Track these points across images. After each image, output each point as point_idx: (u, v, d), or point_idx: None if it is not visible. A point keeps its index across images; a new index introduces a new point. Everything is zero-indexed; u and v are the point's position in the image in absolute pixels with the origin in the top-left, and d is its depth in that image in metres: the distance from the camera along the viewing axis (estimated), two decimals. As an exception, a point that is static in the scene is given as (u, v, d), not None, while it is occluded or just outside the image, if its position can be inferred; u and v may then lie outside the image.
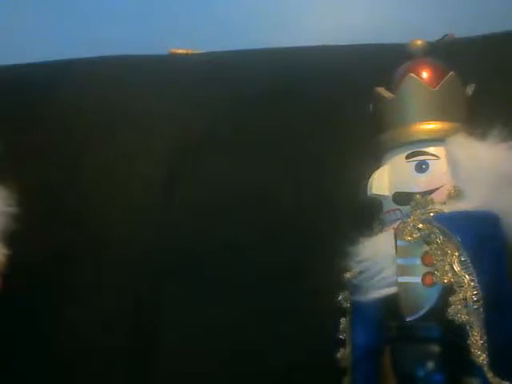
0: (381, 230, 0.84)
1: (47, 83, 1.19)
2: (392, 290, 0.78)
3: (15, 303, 0.98)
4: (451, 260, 0.73)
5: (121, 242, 1.07)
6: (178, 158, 1.11)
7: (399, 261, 0.78)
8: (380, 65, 0.97)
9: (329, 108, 1.06)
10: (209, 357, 1.00)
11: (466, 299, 0.71)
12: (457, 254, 0.73)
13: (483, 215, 0.76)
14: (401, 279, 0.77)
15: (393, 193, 0.83)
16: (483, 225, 0.76)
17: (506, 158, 0.78)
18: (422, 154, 0.82)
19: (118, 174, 1.11)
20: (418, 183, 0.82)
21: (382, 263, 0.79)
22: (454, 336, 0.72)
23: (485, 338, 0.70)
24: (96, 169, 1.12)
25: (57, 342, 1.02)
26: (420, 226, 0.77)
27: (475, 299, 0.71)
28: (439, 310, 0.73)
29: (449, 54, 0.95)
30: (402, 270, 0.77)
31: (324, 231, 0.99)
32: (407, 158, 0.83)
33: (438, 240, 0.75)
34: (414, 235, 0.77)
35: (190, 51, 1.21)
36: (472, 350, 0.70)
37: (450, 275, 0.73)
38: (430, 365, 0.75)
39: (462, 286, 0.72)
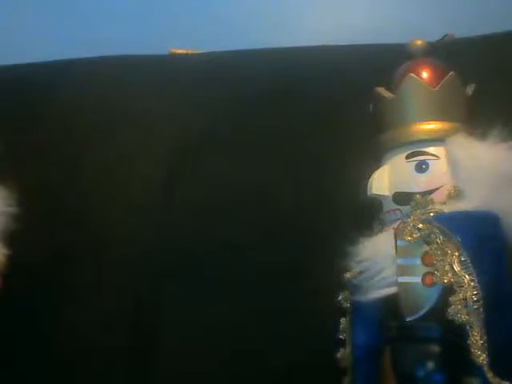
0: (381, 230, 0.84)
1: (47, 83, 1.19)
2: (392, 290, 0.78)
3: (15, 303, 0.98)
4: (451, 260, 0.73)
5: (121, 241, 1.07)
6: (177, 158, 1.11)
7: (399, 261, 0.78)
8: (380, 65, 0.97)
9: (329, 108, 1.06)
10: (209, 357, 1.00)
11: (465, 299, 0.71)
12: (457, 253, 0.73)
13: (483, 215, 0.76)
14: (401, 279, 0.77)
15: (393, 193, 0.83)
16: (483, 225, 0.76)
17: (506, 157, 0.78)
18: (422, 154, 0.82)
19: (118, 174, 1.11)
20: (417, 183, 0.82)
21: (382, 263, 0.79)
22: (454, 336, 0.72)
23: (485, 337, 0.70)
24: (96, 169, 1.12)
25: (57, 342, 1.02)
26: (420, 226, 0.77)
27: (475, 299, 0.71)
28: (439, 310, 0.73)
29: (449, 54, 0.95)
30: (402, 270, 0.77)
31: (324, 231, 0.99)
32: (407, 157, 0.83)
33: (437, 240, 0.75)
34: (414, 235, 0.77)
35: (189, 51, 1.21)
36: (472, 350, 0.70)
37: (449, 275, 0.73)
38: (430, 365, 0.75)
39: (462, 286, 0.72)
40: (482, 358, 0.70)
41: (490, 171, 0.78)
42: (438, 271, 0.74)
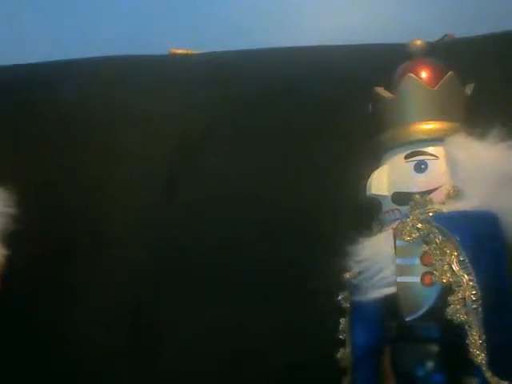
0: (380, 230, 0.84)
1: (47, 83, 1.19)
2: (391, 289, 0.78)
3: (14, 304, 0.98)
4: (450, 260, 0.73)
5: (121, 241, 1.07)
6: (177, 158, 1.11)
7: (398, 261, 0.78)
8: (380, 65, 0.97)
9: (329, 108, 1.06)
10: (209, 357, 0.99)
11: (464, 299, 0.71)
12: (456, 253, 0.73)
13: (482, 215, 0.76)
14: (400, 279, 0.77)
15: (392, 193, 0.83)
16: (482, 224, 0.76)
17: (505, 157, 0.78)
18: (421, 154, 0.82)
19: (118, 174, 1.11)
20: (417, 183, 0.81)
21: (381, 263, 0.79)
22: (453, 336, 0.72)
23: (483, 337, 0.70)
24: (96, 169, 1.12)
25: (57, 343, 1.02)
26: (419, 225, 0.77)
27: (474, 299, 0.71)
28: (438, 310, 0.73)
29: (448, 54, 0.95)
30: (401, 270, 0.77)
31: (324, 231, 0.99)
32: (406, 157, 0.83)
33: (436, 240, 0.75)
34: (413, 235, 0.77)
35: (190, 51, 1.21)
36: (471, 350, 0.70)
37: (448, 275, 0.72)
38: (430, 364, 0.75)
39: (461, 286, 0.72)
40: (480, 357, 0.70)
41: (489, 171, 0.78)
42: (436, 271, 0.73)
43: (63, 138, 1.14)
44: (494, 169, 0.78)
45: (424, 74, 0.85)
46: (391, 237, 0.80)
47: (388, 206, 0.84)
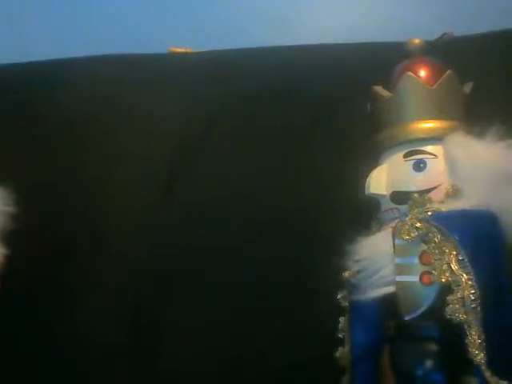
0: (379, 229, 0.84)
1: (47, 82, 1.19)
2: (390, 289, 0.78)
3: (14, 303, 0.98)
4: (449, 259, 0.73)
5: (121, 241, 1.07)
6: (177, 158, 1.11)
7: (397, 260, 0.77)
8: (378, 63, 0.97)
9: (328, 106, 1.06)
10: (209, 357, 0.99)
11: (463, 298, 0.71)
12: (454, 252, 0.73)
13: (481, 214, 0.76)
14: (399, 278, 0.77)
15: (391, 192, 0.83)
16: (481, 223, 0.75)
17: (504, 156, 0.78)
18: (420, 153, 0.82)
19: (118, 174, 1.11)
20: (415, 182, 0.81)
21: (380, 262, 0.79)
22: (452, 335, 0.72)
23: (482, 336, 0.70)
24: (96, 168, 1.12)
25: (56, 343, 1.02)
26: (418, 224, 0.76)
27: (473, 298, 0.71)
28: (437, 309, 0.73)
29: (447, 52, 0.95)
30: (400, 269, 0.77)
31: (323, 231, 0.99)
32: (405, 156, 0.82)
33: (435, 239, 0.74)
34: (412, 234, 0.76)
35: (189, 50, 1.21)
36: (470, 349, 0.70)
37: (447, 274, 0.72)
38: (429, 364, 0.75)
39: (460, 285, 0.71)
40: (479, 357, 0.70)
41: (487, 170, 0.77)
42: (435, 270, 0.73)
43: (63, 138, 1.14)
44: (493, 168, 0.77)
45: (423, 73, 0.85)
46: (390, 236, 0.79)
47: (387, 205, 0.84)
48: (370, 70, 1.00)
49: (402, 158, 0.83)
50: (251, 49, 1.16)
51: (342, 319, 0.86)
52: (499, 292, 0.72)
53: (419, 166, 0.81)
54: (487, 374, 0.69)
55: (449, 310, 0.71)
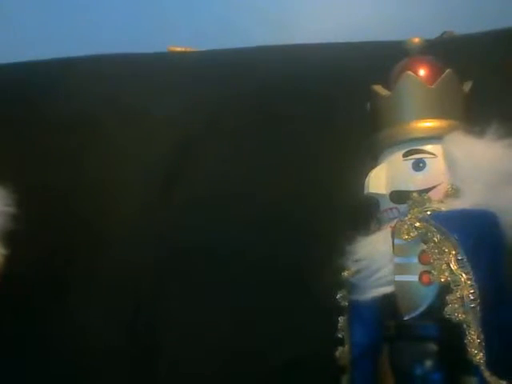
0: (378, 229, 0.84)
1: (47, 82, 1.19)
2: (389, 288, 0.77)
3: (14, 303, 0.98)
4: (448, 259, 0.72)
5: (121, 241, 1.07)
6: (177, 158, 1.11)
7: (396, 259, 0.77)
8: (378, 62, 0.96)
9: (327, 105, 1.06)
10: (209, 357, 0.99)
11: (462, 298, 0.70)
12: (454, 252, 0.72)
13: (481, 214, 0.76)
14: (398, 278, 0.76)
15: (390, 191, 0.82)
16: (481, 223, 0.75)
17: (503, 155, 0.77)
18: (419, 153, 0.81)
19: (117, 174, 1.11)
20: (415, 181, 0.81)
21: (379, 262, 0.79)
22: (452, 335, 0.72)
23: (482, 336, 0.70)
24: (96, 168, 1.12)
25: (56, 343, 1.02)
26: (417, 224, 0.76)
27: (472, 298, 0.70)
28: (436, 309, 0.73)
29: (447, 51, 0.95)
30: (400, 269, 0.77)
31: (323, 230, 0.99)
32: (404, 156, 0.82)
33: (435, 239, 0.74)
34: (411, 234, 0.76)
35: (189, 49, 1.21)
36: (469, 349, 0.69)
37: (446, 274, 0.72)
38: (428, 363, 0.74)
39: (459, 285, 0.71)
40: (478, 356, 0.69)
41: (487, 169, 0.77)
42: (434, 270, 0.73)
43: (63, 138, 1.13)
44: (493, 167, 0.77)
45: (422, 72, 0.84)
46: (389, 235, 0.79)
47: (386, 204, 0.83)
48: (369, 69, 1.00)
49: (401, 157, 0.82)
50: (251, 48, 1.16)
51: (341, 319, 0.86)
52: (499, 292, 0.72)
53: (418, 166, 0.81)
54: (486, 373, 0.69)
55: (448, 309, 0.71)
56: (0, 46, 1.26)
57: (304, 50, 1.14)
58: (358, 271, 0.81)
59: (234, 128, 1.10)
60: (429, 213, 0.77)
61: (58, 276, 1.05)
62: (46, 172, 1.11)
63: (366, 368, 0.83)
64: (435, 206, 0.78)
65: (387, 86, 0.86)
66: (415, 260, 0.76)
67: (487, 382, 0.69)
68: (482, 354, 0.69)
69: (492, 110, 0.85)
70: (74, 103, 1.15)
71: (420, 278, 0.75)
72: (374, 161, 0.86)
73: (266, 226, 1.04)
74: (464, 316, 0.70)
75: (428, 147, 0.82)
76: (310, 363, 0.95)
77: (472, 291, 0.71)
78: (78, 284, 1.05)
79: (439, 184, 0.80)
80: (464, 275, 0.71)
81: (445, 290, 0.72)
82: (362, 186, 0.85)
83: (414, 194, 0.79)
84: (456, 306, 0.71)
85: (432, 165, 0.81)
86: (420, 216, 0.77)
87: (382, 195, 0.83)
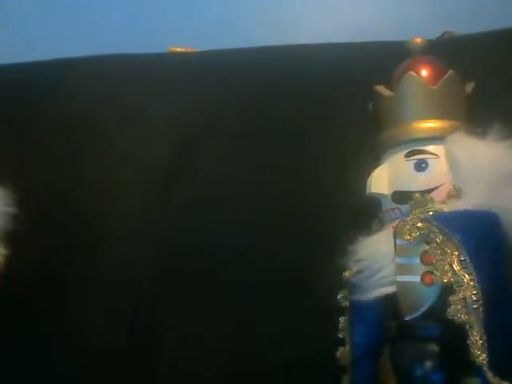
0: (380, 229, 0.84)
1: (47, 82, 1.18)
2: (391, 289, 0.77)
3: (14, 303, 0.98)
4: (451, 259, 0.72)
5: (121, 241, 1.07)
6: (177, 158, 1.11)
7: (398, 260, 0.77)
8: (380, 63, 0.96)
9: (328, 106, 1.06)
10: (209, 357, 0.99)
11: (465, 299, 0.70)
12: (456, 253, 0.72)
13: (483, 214, 0.76)
14: (400, 278, 0.76)
15: (392, 191, 0.82)
16: (483, 224, 0.75)
17: (505, 156, 0.77)
18: (422, 153, 0.81)
19: (118, 174, 1.11)
20: (417, 182, 0.81)
21: (380, 262, 0.79)
22: (453, 335, 0.72)
23: (484, 337, 0.70)
24: (96, 168, 1.11)
25: (57, 343, 1.02)
26: (419, 224, 0.76)
27: (475, 299, 0.70)
28: (438, 310, 0.73)
29: (448, 51, 0.95)
30: (401, 269, 0.77)
31: (325, 230, 0.99)
32: (406, 156, 0.82)
33: (437, 239, 0.74)
34: (414, 234, 0.76)
35: (189, 49, 1.21)
36: (472, 350, 0.70)
37: (449, 275, 0.72)
38: (429, 364, 0.74)
39: (462, 286, 0.71)
40: (481, 357, 0.69)
41: (489, 170, 0.77)
42: (437, 271, 0.73)
43: (63, 138, 1.13)
44: (495, 168, 0.77)
45: (424, 73, 0.85)
46: (391, 236, 0.79)
47: (388, 204, 0.83)
48: (370, 69, 1.00)
49: (403, 157, 0.82)
50: (251, 48, 1.16)
51: (342, 319, 0.86)
52: (501, 292, 0.72)
53: (421, 166, 0.81)
54: (489, 374, 0.69)
55: (451, 310, 0.71)
56: (0, 46, 1.26)
57: (305, 51, 1.14)
58: (359, 271, 0.81)
59: (235, 128, 1.10)
60: (431, 213, 0.77)
61: (58, 276, 1.05)
62: (45, 172, 1.11)
63: (366, 368, 0.83)
64: (437, 206, 0.78)
65: (389, 87, 0.86)
66: (417, 260, 0.76)
67: (490, 383, 0.69)
68: (484, 354, 0.69)
69: (494, 110, 0.85)
70: (74, 103, 1.15)
71: (422, 279, 0.75)
72: (376, 161, 0.86)
73: (265, 225, 1.04)
74: (467, 317, 0.70)
75: (430, 148, 0.82)
76: (310, 363, 0.95)
77: (475, 292, 0.71)
78: (78, 284, 1.05)
79: (441, 184, 0.80)
80: (467, 276, 0.71)
81: (447, 290, 0.72)
82: (363, 186, 0.85)
83: (416, 195, 0.80)
84: (459, 306, 0.71)
85: (434, 165, 0.81)
86: (422, 216, 0.77)
87: (384, 195, 0.83)
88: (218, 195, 1.07)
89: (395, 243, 0.78)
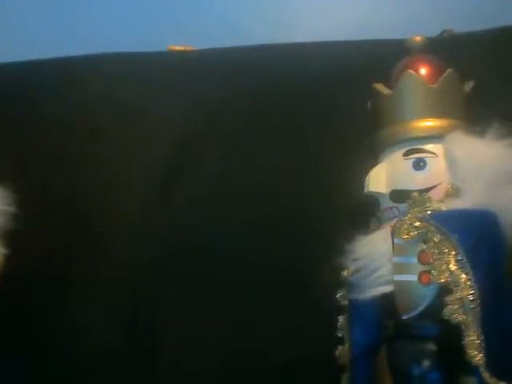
0: (378, 228, 0.84)
1: (47, 82, 1.18)
2: (388, 288, 0.77)
3: (14, 303, 0.98)
4: (448, 259, 0.72)
5: (121, 241, 1.07)
6: (177, 157, 1.11)
7: (396, 259, 0.77)
8: (379, 61, 0.96)
9: (327, 104, 1.06)
10: (209, 357, 0.99)
11: (462, 299, 0.70)
12: (454, 252, 0.72)
13: (481, 213, 0.75)
14: (397, 277, 0.76)
15: (390, 190, 0.82)
16: (481, 223, 0.75)
17: (504, 155, 0.77)
18: (420, 152, 0.81)
19: (117, 174, 1.11)
20: (415, 181, 0.81)
21: (378, 261, 0.79)
22: (451, 335, 0.71)
23: (481, 337, 0.69)
24: (96, 168, 1.11)
25: (56, 343, 1.02)
26: (417, 224, 0.76)
27: (471, 299, 0.70)
28: (435, 309, 0.73)
29: (447, 49, 0.94)
30: (399, 268, 0.76)
31: (323, 229, 0.99)
32: (405, 155, 0.82)
33: (435, 239, 0.74)
34: (411, 233, 0.76)
35: (188, 48, 1.21)
36: (468, 350, 0.69)
37: (446, 274, 0.72)
38: (426, 363, 0.74)
39: (459, 286, 0.71)
40: (478, 357, 0.69)
41: (488, 169, 0.77)
42: (435, 270, 0.73)
43: (63, 137, 1.13)
44: (493, 167, 0.77)
45: (423, 71, 0.84)
46: (389, 235, 0.79)
47: (386, 203, 0.83)
48: (369, 67, 1.00)
49: (401, 156, 0.82)
50: (250, 46, 1.15)
51: (341, 318, 0.86)
52: (498, 292, 0.72)
53: (419, 165, 0.81)
54: (486, 374, 0.69)
55: (447, 310, 0.71)
56: (0, 46, 1.26)
57: (304, 49, 1.14)
58: (357, 270, 0.81)
59: (234, 127, 1.10)
60: (429, 212, 0.77)
61: (58, 276, 1.04)
62: (46, 172, 1.10)
63: (365, 367, 0.83)
64: (435, 205, 0.78)
65: (388, 85, 0.86)
66: (414, 260, 0.76)
67: (487, 383, 0.69)
68: (481, 354, 0.69)
69: (493, 109, 0.85)
70: (74, 103, 1.15)
71: (419, 278, 0.75)
72: (374, 159, 0.86)
73: (265, 225, 1.04)
74: (464, 317, 0.70)
75: (429, 146, 0.81)
76: (309, 362, 0.95)
77: (472, 292, 0.70)
78: (78, 284, 1.05)
79: (439, 183, 0.80)
80: (464, 276, 0.71)
81: (444, 290, 0.72)
82: (362, 184, 0.85)
83: (415, 194, 0.79)
84: (455, 306, 0.70)
85: (432, 164, 0.81)
86: (420, 215, 0.77)
87: (382, 194, 0.83)
88: (217, 195, 1.07)
89: (393, 242, 0.78)
